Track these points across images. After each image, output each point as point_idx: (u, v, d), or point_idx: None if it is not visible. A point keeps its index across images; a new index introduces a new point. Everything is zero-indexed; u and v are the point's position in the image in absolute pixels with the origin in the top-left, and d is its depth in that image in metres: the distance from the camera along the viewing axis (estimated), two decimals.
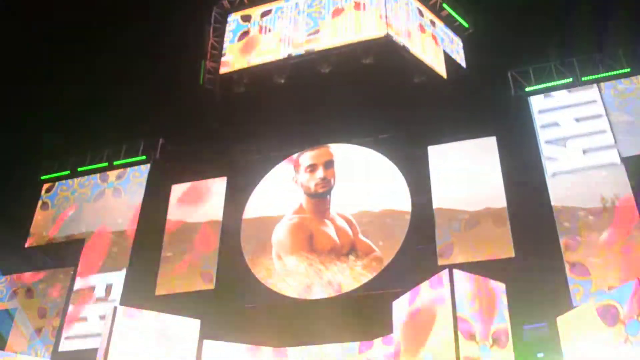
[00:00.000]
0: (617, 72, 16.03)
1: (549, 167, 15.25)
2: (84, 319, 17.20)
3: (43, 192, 20.46)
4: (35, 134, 21.18)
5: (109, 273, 17.72)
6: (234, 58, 19.28)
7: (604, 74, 16.09)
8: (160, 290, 17.20)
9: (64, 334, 17.10)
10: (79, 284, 17.89)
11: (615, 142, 14.93)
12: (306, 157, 18.24)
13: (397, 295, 12.22)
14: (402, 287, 12.42)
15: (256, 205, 18.05)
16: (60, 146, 20.83)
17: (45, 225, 19.70)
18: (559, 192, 14.76)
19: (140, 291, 17.04)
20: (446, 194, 15.92)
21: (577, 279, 13.59)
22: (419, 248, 15.63)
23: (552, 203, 14.64)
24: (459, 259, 14.62)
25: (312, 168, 17.89)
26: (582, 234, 14.06)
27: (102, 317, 16.17)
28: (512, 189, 15.34)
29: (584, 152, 15.15)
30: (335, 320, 14.16)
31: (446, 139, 16.80)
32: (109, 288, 17.44)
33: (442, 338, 10.17)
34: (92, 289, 17.62)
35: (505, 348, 10.42)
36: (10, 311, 18.18)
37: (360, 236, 16.37)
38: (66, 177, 20.44)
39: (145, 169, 19.50)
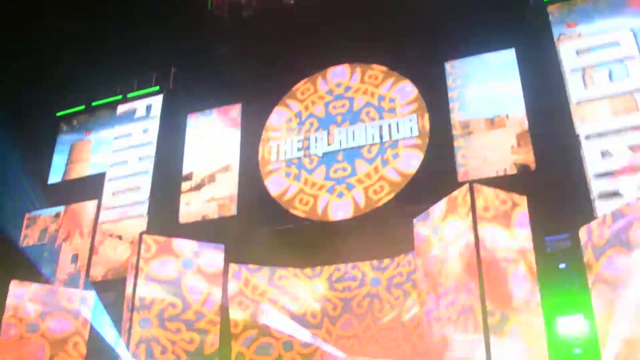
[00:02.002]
0: None
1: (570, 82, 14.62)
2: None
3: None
4: (48, 72, 21.02)
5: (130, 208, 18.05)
6: None
7: None
8: (184, 219, 17.48)
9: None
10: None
11: None
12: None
13: (417, 213, 12.31)
14: (423, 204, 12.47)
15: (274, 130, 17.92)
16: (73, 82, 20.74)
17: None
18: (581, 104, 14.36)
19: (164, 220, 17.34)
20: (465, 109, 15.66)
21: None
22: (438, 165, 15.55)
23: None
24: (479, 174, 14.53)
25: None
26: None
27: None
28: (532, 102, 15.04)
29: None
30: (358, 240, 14.33)
31: (463, 53, 16.37)
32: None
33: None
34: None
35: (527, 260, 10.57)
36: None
37: None
38: (81, 113, 20.61)
39: (159, 99, 19.44)
